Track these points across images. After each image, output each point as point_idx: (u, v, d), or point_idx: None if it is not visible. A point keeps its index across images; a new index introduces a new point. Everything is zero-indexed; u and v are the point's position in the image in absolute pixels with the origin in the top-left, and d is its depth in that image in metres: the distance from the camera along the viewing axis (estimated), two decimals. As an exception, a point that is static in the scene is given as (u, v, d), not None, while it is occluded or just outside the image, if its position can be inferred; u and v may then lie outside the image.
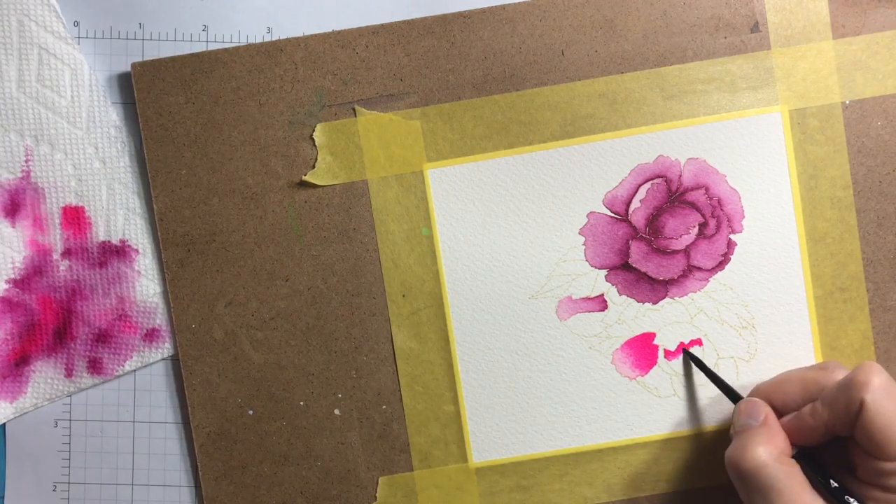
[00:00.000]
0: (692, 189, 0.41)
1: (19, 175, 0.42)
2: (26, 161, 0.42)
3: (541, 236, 0.41)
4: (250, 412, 0.42)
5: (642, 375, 0.41)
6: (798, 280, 0.41)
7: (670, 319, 0.41)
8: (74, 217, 0.42)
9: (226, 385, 0.42)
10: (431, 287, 0.41)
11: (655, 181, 0.41)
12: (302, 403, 0.42)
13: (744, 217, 0.41)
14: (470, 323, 0.41)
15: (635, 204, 0.41)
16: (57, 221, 0.42)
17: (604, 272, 0.41)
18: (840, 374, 0.36)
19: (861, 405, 0.33)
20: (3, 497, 0.43)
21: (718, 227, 0.41)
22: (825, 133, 0.41)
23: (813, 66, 0.41)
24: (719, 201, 0.41)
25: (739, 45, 0.41)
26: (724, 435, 0.41)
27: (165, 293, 0.42)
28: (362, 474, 0.42)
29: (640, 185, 0.41)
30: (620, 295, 0.41)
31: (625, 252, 0.41)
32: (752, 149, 0.41)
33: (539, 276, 0.41)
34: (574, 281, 0.41)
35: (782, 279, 0.41)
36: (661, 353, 0.41)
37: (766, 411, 0.36)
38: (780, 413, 0.37)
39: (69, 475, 0.43)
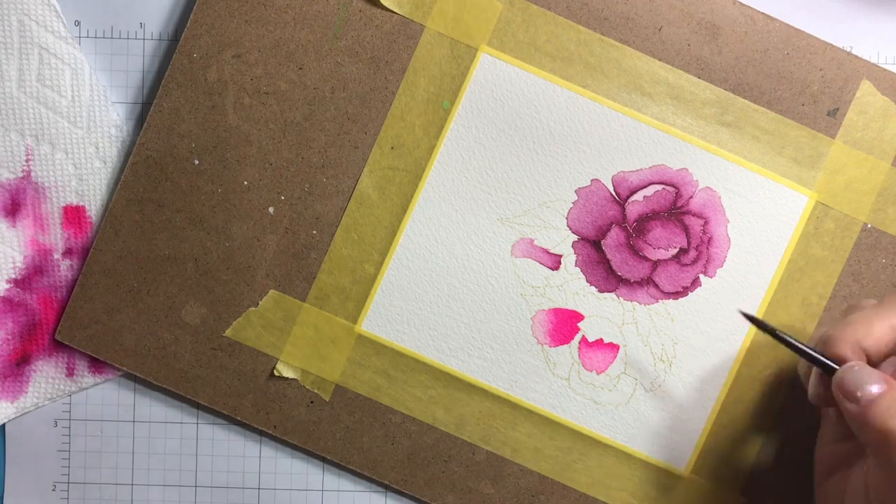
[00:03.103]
0: (694, 214, 0.41)
1: (20, 175, 0.41)
2: (27, 161, 0.41)
3: (541, 172, 0.41)
4: (196, 162, 0.41)
5: (550, 346, 0.41)
6: (733, 351, 0.41)
7: (604, 314, 0.41)
8: (75, 216, 0.42)
9: (189, 125, 0.41)
10: (421, 155, 0.41)
11: (667, 187, 0.41)
12: (245, 183, 0.41)
13: (722, 266, 0.41)
14: (433, 207, 0.41)
15: (638, 196, 0.41)
16: (58, 221, 0.42)
17: (574, 238, 0.41)
18: None
19: None
20: (2, 497, 0.43)
21: (695, 261, 0.41)
22: (834, 240, 0.41)
23: (859, 176, 0.41)
24: (710, 240, 0.41)
25: (811, 118, 0.41)
26: (587, 442, 0.41)
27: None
28: (259, 278, 0.41)
29: (651, 183, 0.41)
30: (575, 266, 0.41)
31: (603, 232, 0.41)
32: (765, 213, 0.41)
33: (517, 205, 0.41)
34: (544, 229, 0.41)
35: (720, 340, 0.41)
36: (577, 338, 0.41)
37: (882, 377, 0.33)
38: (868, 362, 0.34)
39: (69, 475, 0.43)
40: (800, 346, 0.35)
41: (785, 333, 0.36)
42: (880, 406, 0.32)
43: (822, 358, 0.35)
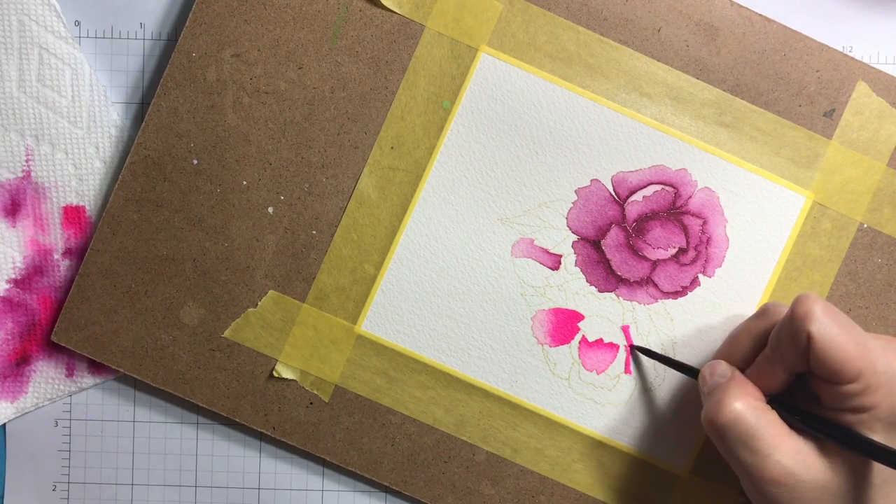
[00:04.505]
0: (692, 215, 0.41)
1: (20, 175, 0.41)
2: (27, 161, 0.41)
3: (540, 172, 0.41)
4: (195, 161, 0.41)
5: (550, 346, 0.41)
6: (730, 350, 0.41)
7: (603, 313, 0.41)
8: (75, 217, 0.42)
9: (188, 124, 0.41)
10: (421, 155, 0.41)
11: (666, 188, 0.41)
12: (245, 183, 0.41)
13: (720, 266, 0.41)
14: (433, 207, 0.41)
15: (637, 196, 0.41)
16: (58, 221, 0.41)
17: (574, 238, 0.41)
18: (782, 313, 0.36)
19: (808, 337, 0.33)
20: (2, 497, 0.43)
21: (694, 261, 0.41)
22: (830, 240, 0.41)
23: (855, 177, 0.41)
24: (709, 239, 0.41)
25: (808, 119, 0.41)
26: (587, 442, 0.41)
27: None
28: (258, 278, 0.41)
29: (651, 183, 0.41)
30: (575, 266, 0.41)
31: (603, 232, 0.41)
32: (763, 213, 0.41)
33: (518, 205, 0.41)
34: (544, 229, 0.41)
35: (719, 340, 0.41)
36: (577, 338, 0.41)
37: (731, 368, 0.36)
38: (740, 371, 0.37)
39: (69, 475, 0.43)
40: (675, 360, 0.40)
41: (662, 355, 0.41)
42: (711, 399, 0.35)
43: (689, 365, 0.40)
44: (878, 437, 0.33)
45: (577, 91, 0.41)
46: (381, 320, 0.41)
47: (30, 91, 0.41)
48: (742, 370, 0.37)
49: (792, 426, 0.34)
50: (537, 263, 0.41)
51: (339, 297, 0.41)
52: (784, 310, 0.36)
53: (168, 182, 0.41)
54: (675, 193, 0.41)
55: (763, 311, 0.37)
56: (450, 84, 0.41)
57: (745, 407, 0.34)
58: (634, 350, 0.41)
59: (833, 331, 0.33)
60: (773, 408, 0.35)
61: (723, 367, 0.37)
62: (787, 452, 0.33)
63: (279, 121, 0.41)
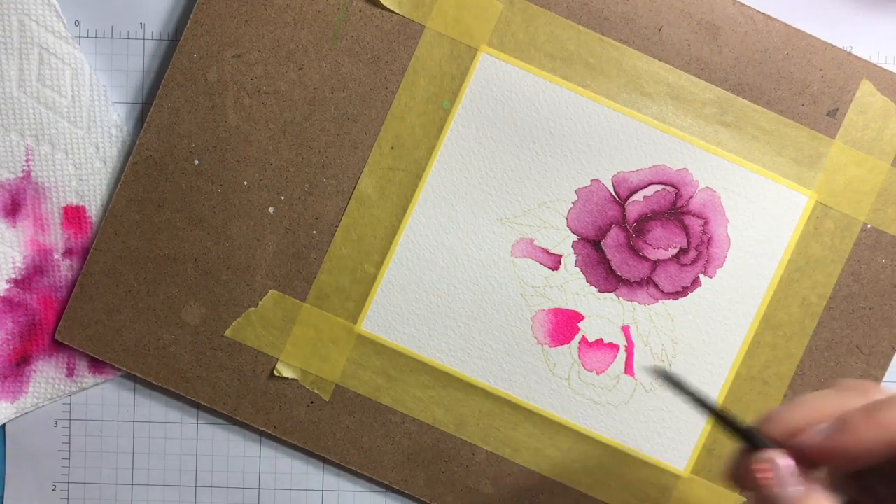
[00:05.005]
0: (694, 215, 0.41)
1: (20, 175, 0.41)
2: (27, 161, 0.41)
3: (540, 173, 0.41)
4: (196, 162, 0.41)
5: (550, 346, 0.41)
6: (733, 350, 0.41)
7: (604, 313, 0.41)
8: (75, 217, 0.42)
9: (189, 125, 0.41)
10: (421, 155, 0.41)
11: (667, 188, 0.41)
12: (245, 183, 0.41)
13: (722, 266, 0.41)
14: (433, 207, 0.41)
15: (638, 196, 0.41)
16: (58, 221, 0.42)
17: (574, 238, 0.41)
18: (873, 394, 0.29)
19: None
20: (2, 497, 0.43)
21: (695, 261, 0.41)
22: (834, 240, 0.41)
23: (859, 176, 0.41)
24: (710, 240, 0.41)
25: (811, 118, 0.41)
26: (587, 442, 0.41)
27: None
28: (259, 278, 0.41)
29: (651, 183, 0.41)
30: (575, 266, 0.41)
31: (603, 232, 0.41)
32: (765, 213, 0.41)
33: (517, 206, 0.41)
34: (544, 229, 0.41)
35: (720, 341, 0.41)
36: (577, 338, 0.41)
37: (805, 481, 0.28)
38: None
39: (69, 475, 0.43)
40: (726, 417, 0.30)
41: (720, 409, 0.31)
42: None
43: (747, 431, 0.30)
44: None
45: (578, 91, 0.41)
46: (381, 320, 0.41)
47: (30, 91, 0.41)
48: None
49: None
50: (537, 263, 0.41)
51: (340, 297, 0.41)
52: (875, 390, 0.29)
53: (170, 182, 0.41)
54: (676, 193, 0.41)
55: (852, 388, 0.29)
56: (450, 84, 0.41)
57: None
58: (661, 374, 0.32)
59: None
60: None
61: (794, 472, 0.28)
62: None
63: (280, 121, 0.41)
